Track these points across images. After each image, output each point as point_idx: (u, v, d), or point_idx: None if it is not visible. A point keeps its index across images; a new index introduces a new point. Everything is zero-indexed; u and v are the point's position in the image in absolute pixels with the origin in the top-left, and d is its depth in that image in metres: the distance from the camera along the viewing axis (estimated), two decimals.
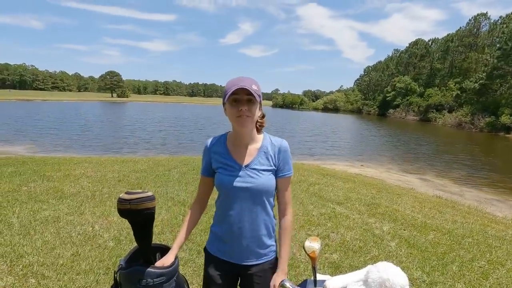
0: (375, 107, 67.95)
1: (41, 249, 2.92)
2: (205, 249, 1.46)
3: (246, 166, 1.30)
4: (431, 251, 3.41)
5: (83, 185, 5.02)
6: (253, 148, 1.33)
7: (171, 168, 6.65)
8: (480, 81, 41.05)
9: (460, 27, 55.73)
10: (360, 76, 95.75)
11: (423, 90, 54.22)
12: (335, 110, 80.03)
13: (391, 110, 58.31)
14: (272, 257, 1.39)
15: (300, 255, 3.11)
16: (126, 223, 3.54)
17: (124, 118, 31.73)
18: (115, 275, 1.29)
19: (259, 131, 1.37)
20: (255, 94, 1.21)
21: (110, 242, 3.15)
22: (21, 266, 2.62)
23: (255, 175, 1.29)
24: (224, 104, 1.29)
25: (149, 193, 1.14)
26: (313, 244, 1.13)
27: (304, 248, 1.14)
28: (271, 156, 1.33)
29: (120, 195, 1.12)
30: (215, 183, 1.35)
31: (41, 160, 7.30)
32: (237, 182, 1.28)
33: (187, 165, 7.00)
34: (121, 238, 3.24)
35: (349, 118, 51.82)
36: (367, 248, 3.38)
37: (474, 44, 51.03)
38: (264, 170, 1.31)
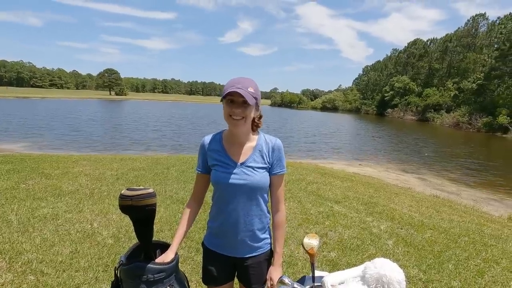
0: (373, 106, 68.13)
1: (40, 246, 2.92)
2: (202, 244, 1.51)
3: (242, 163, 1.34)
4: (427, 249, 3.44)
5: (82, 183, 5.02)
6: (248, 147, 1.37)
7: (169, 166, 6.65)
8: (478, 81, 41.24)
9: (459, 28, 55.99)
10: (358, 75, 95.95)
11: (421, 90, 54.42)
12: (334, 109, 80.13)
13: (389, 110, 58.49)
14: (267, 249, 1.44)
15: (298, 253, 3.13)
16: (125, 221, 3.55)
17: (122, 116, 31.60)
18: (116, 271, 1.31)
19: (255, 131, 1.41)
20: (249, 98, 1.22)
21: (109, 239, 3.16)
22: (20, 263, 2.63)
23: (250, 172, 1.33)
24: (222, 101, 1.32)
25: (150, 190, 1.16)
26: (312, 241, 1.15)
27: (302, 245, 1.16)
28: (265, 154, 1.37)
29: (122, 192, 1.13)
30: (211, 180, 1.39)
31: (39, 157, 7.27)
32: (233, 179, 1.32)
33: (186, 163, 7.00)
34: (120, 236, 3.25)
35: (348, 118, 51.90)
36: (364, 247, 3.40)
37: (472, 45, 51.21)
38: (258, 168, 1.34)
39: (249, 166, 1.33)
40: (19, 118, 22.39)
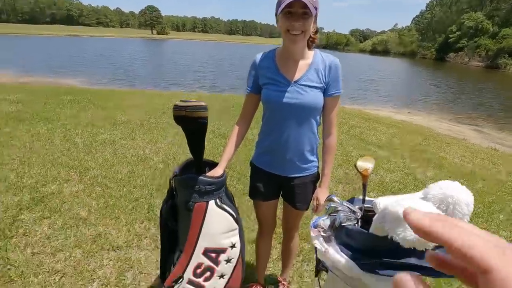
0: (433, 50, 60.02)
1: (102, 165, 3.31)
2: (251, 163, 1.55)
3: (295, 82, 1.27)
4: (477, 199, 3.20)
5: (133, 115, 5.39)
6: (303, 64, 1.28)
7: (212, 104, 6.78)
8: None
9: None
10: (420, 12, 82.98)
11: (497, 30, 45.94)
12: (385, 52, 72.40)
13: (451, 54, 51.22)
14: (314, 171, 1.45)
15: (336, 190, 3.16)
16: (173, 149, 3.81)
17: (164, 56, 31.98)
18: (171, 181, 1.42)
19: (310, 47, 1.30)
20: (311, 7, 1.10)
21: (159, 164, 3.46)
22: (88, 177, 3.03)
23: (304, 91, 1.26)
24: (276, 15, 1.19)
25: (203, 103, 1.16)
26: (366, 163, 1.10)
27: (356, 166, 1.12)
28: (321, 72, 1.27)
29: (176, 102, 1.15)
30: (262, 99, 1.35)
31: (94, 91, 7.86)
32: (285, 98, 1.27)
33: (226, 101, 7.08)
34: (169, 162, 3.53)
35: (401, 63, 46.79)
36: (406, 191, 3.31)
37: None
38: (313, 87, 1.27)
39: (302, 85, 1.26)
40: (71, 55, 23.81)
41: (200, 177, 1.30)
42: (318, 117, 1.35)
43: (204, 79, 16.65)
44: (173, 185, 1.41)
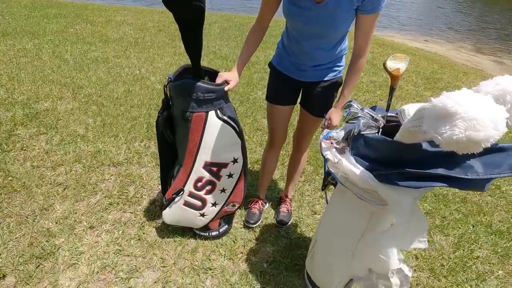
0: None
1: (97, 84, 3.11)
2: (270, 64, 1.42)
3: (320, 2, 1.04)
4: None
5: (126, 32, 4.92)
6: None
7: (211, 22, 6.14)
8: None
9: None
10: None
11: None
12: None
13: None
14: (338, 77, 1.33)
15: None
16: (171, 69, 3.55)
17: None
18: (165, 89, 1.26)
19: None
20: None
21: (157, 84, 3.26)
22: (82, 95, 2.87)
23: (331, 15, 1.06)
24: None
25: None
26: (397, 63, 0.92)
27: (385, 66, 0.94)
28: None
29: None
30: (283, 11, 1.16)
31: (81, 5, 7.05)
32: (308, 19, 1.09)
33: (228, 21, 6.40)
34: None
35: None
36: None
37: None
38: (343, 9, 1.04)
39: (329, 6, 1.03)
40: None
41: (198, 83, 1.14)
42: (348, 30, 1.16)
43: None
44: (168, 93, 1.26)
